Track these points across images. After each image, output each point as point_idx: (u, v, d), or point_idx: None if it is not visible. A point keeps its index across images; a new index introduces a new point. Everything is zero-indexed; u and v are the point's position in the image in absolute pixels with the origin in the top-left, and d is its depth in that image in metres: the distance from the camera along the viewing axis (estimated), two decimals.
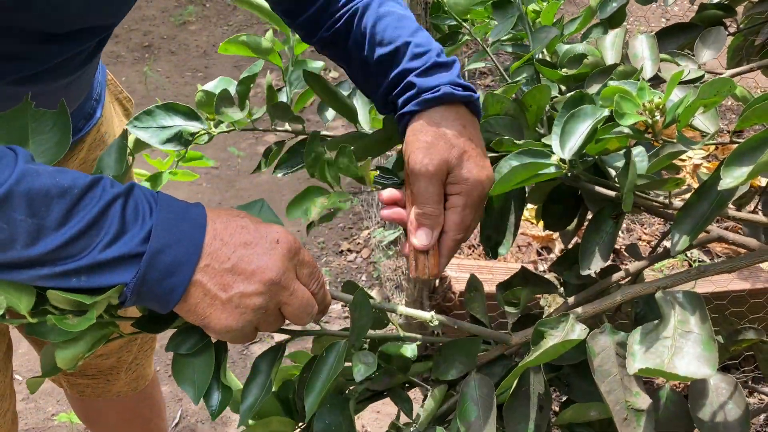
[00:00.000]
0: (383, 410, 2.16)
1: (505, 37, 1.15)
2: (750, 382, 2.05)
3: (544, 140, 0.87)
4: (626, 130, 0.80)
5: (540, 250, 2.57)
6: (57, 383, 1.55)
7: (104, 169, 0.77)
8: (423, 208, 0.82)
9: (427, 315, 0.78)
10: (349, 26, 0.93)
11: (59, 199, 0.63)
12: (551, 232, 2.57)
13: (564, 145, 0.81)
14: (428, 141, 0.82)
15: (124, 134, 0.79)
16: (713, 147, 2.68)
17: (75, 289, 0.65)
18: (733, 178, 0.70)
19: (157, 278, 0.66)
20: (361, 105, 1.02)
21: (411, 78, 0.86)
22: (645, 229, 2.62)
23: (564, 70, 1.04)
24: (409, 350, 0.78)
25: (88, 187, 0.65)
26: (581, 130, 0.81)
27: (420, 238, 0.82)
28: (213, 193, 3.16)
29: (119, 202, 0.66)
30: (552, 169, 0.80)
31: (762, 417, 2.07)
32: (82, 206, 0.64)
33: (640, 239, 2.59)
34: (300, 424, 0.83)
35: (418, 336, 0.81)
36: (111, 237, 0.65)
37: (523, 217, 2.77)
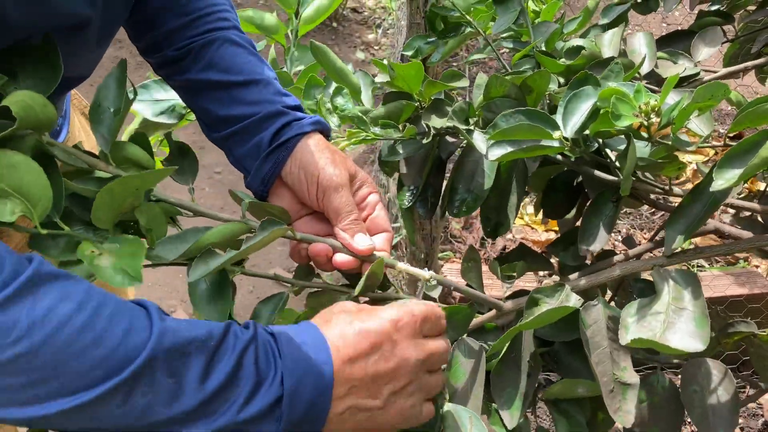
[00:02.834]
0: None
1: (505, 34, 1.17)
2: (748, 387, 2.06)
3: None
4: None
5: (543, 250, 2.58)
6: None
7: (102, 101, 0.74)
8: (351, 215, 0.82)
9: (425, 273, 0.79)
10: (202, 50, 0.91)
11: (198, 354, 0.61)
12: (552, 238, 2.59)
13: (566, 124, 0.83)
14: (329, 156, 0.84)
15: (123, 65, 0.77)
16: (713, 152, 2.70)
17: None
18: (725, 180, 0.73)
19: (300, 418, 0.64)
20: (364, 83, 1.04)
21: (286, 108, 0.88)
22: (645, 234, 2.64)
23: (562, 60, 1.06)
24: None
25: (223, 337, 0.63)
26: (583, 109, 0.83)
27: (364, 242, 0.81)
28: (216, 198, 3.18)
29: (251, 349, 0.64)
30: (555, 143, 0.82)
31: (760, 422, 2.08)
32: (218, 359, 0.62)
33: (640, 244, 2.59)
34: None
35: (415, 298, 0.81)
36: (249, 390, 0.62)
37: (524, 222, 2.79)
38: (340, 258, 0.80)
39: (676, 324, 0.70)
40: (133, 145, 0.74)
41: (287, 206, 0.85)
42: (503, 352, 0.78)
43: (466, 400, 0.76)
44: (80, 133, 1.20)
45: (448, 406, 0.73)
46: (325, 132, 0.88)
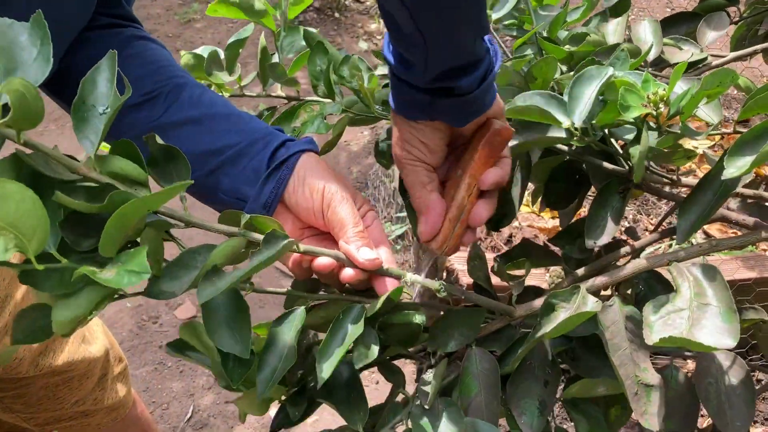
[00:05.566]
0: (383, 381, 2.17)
1: (507, 21, 1.15)
2: (757, 372, 2.05)
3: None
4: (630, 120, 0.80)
5: (547, 243, 2.57)
6: None
7: (87, 97, 0.64)
8: (357, 227, 0.78)
9: (435, 284, 0.76)
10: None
11: None
12: (559, 225, 2.57)
13: (573, 111, 0.81)
14: (331, 173, 0.82)
15: (112, 57, 0.65)
16: (719, 137, 2.68)
17: None
18: (736, 168, 0.71)
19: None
20: (363, 70, 1.01)
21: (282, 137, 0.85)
22: (652, 219, 2.62)
23: (567, 46, 1.04)
24: (418, 317, 0.76)
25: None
26: (588, 93, 0.81)
27: (369, 254, 0.76)
28: None
29: None
30: (563, 134, 0.80)
31: None
32: None
33: (647, 230, 2.58)
34: (289, 390, 0.81)
35: (434, 304, 0.80)
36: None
37: (529, 210, 2.77)
38: (348, 273, 0.77)
39: (701, 320, 0.68)
40: (120, 158, 0.64)
41: (289, 231, 0.82)
42: (519, 361, 0.76)
43: (481, 414, 0.74)
44: None
45: (466, 421, 0.71)
46: (317, 153, 0.86)
